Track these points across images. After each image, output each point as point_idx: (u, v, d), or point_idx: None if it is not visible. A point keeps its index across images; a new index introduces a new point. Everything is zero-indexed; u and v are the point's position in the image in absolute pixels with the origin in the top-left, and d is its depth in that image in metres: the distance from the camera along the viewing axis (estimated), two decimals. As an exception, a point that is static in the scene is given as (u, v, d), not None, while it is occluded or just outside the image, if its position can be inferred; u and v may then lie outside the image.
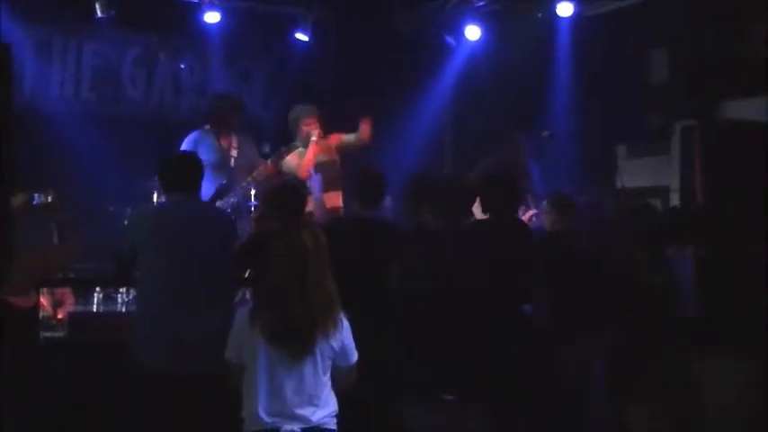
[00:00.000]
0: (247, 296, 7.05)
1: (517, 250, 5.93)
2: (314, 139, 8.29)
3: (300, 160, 8.22)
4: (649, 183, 9.77)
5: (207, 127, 8.49)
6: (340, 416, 4.66)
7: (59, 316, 7.04)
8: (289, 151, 8.28)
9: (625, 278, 5.84)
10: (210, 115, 8.58)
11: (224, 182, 7.90)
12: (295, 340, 4.50)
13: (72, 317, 6.83)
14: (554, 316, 6.18)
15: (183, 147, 8.16)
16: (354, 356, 4.71)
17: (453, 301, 5.26)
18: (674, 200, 9.24)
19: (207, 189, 7.74)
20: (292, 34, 10.45)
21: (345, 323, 4.65)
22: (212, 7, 9.99)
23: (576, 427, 6.02)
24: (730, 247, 6.20)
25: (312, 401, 4.56)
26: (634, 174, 9.71)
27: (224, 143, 8.43)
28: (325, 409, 4.61)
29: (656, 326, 5.68)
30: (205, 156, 7.84)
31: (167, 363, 5.29)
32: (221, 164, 8.27)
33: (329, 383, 4.63)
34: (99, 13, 9.52)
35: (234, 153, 8.40)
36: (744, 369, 5.91)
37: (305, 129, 8.34)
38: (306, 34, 10.39)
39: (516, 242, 6.01)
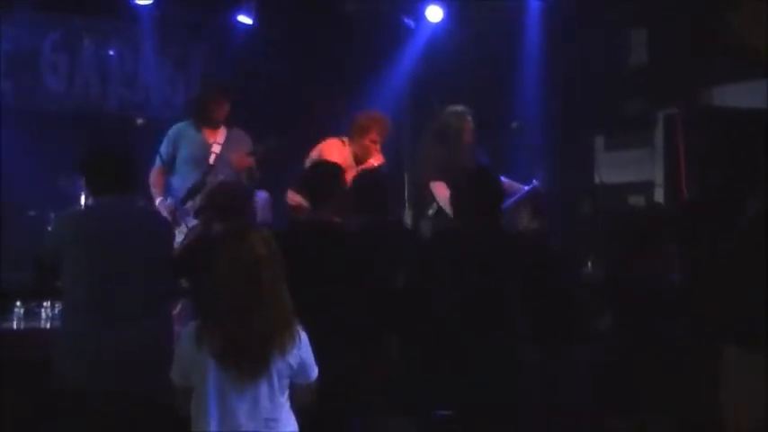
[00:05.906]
0: (188, 307, 6.65)
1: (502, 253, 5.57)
2: (372, 162, 7.94)
3: (340, 155, 7.72)
4: (631, 178, 9.60)
5: (191, 120, 8.15)
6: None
7: (-25, 335, 6.67)
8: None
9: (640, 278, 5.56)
10: (190, 106, 8.32)
11: (197, 181, 7.58)
12: (247, 359, 4.26)
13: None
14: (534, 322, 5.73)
15: (164, 140, 8.00)
16: (315, 373, 4.47)
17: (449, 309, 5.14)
18: (660, 196, 9.09)
19: (182, 186, 7.78)
20: (233, 16, 9.94)
21: (304, 337, 4.39)
22: (143, -14, 9.56)
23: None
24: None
25: (268, 425, 4.31)
26: (613, 168, 9.59)
27: (208, 137, 8.00)
28: None
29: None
30: (183, 150, 7.95)
31: (95, 379, 5.00)
32: (197, 160, 7.90)
33: (287, 404, 4.39)
34: (15, -7, 9.09)
35: (216, 149, 7.95)
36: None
37: (369, 143, 7.94)
38: (249, 16, 9.87)
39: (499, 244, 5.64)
